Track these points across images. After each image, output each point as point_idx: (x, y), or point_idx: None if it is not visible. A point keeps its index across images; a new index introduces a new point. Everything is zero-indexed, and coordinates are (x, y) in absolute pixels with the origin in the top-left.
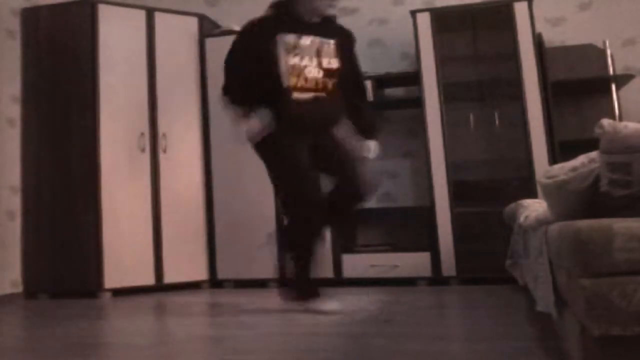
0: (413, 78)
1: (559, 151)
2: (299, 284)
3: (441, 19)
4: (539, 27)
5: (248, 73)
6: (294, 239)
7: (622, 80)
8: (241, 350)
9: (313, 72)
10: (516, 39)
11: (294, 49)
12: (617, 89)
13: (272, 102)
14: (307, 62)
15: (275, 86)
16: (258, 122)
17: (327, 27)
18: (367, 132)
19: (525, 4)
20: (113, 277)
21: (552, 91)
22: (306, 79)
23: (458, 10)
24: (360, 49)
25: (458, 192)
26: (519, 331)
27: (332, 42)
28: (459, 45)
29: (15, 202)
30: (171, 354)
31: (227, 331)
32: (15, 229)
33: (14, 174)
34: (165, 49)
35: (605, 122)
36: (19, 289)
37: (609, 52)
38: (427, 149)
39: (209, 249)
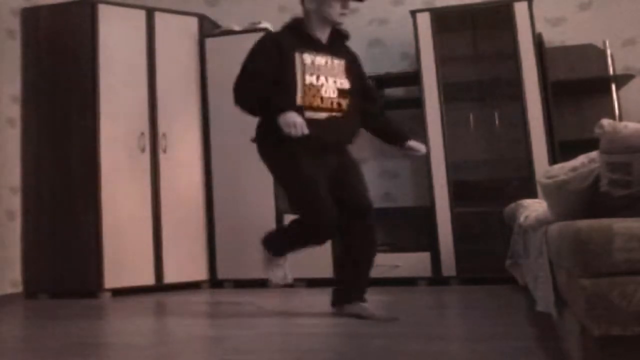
0: (413, 78)
1: (559, 151)
2: (280, 245)
3: (441, 19)
4: (539, 27)
5: (261, 91)
6: (293, 241)
7: (622, 80)
8: (241, 350)
9: (329, 91)
10: (516, 39)
11: (310, 68)
12: (617, 89)
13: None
14: (323, 81)
15: (289, 104)
16: (292, 116)
17: (338, 47)
18: (398, 134)
19: (525, 4)
20: (113, 277)
21: (552, 91)
22: (322, 99)
23: (458, 10)
24: (360, 49)
25: (458, 192)
26: (519, 331)
27: (343, 62)
28: (459, 45)
29: (15, 202)
30: (171, 354)
31: (227, 331)
32: (15, 229)
33: (14, 174)
34: (165, 49)
35: (605, 122)
36: (19, 289)
37: (609, 52)
38: (427, 149)
39: (209, 249)
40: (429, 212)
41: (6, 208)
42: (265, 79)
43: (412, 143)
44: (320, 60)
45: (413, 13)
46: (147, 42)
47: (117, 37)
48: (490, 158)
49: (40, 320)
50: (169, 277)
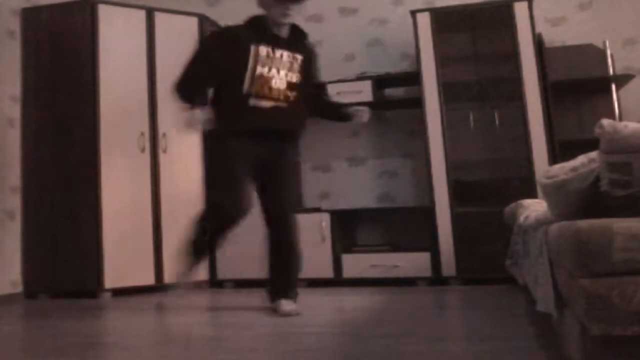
0: (413, 78)
1: (559, 151)
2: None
3: (441, 19)
4: (539, 27)
5: (205, 75)
6: (199, 234)
7: (622, 80)
8: (241, 350)
9: (278, 83)
10: (516, 39)
11: (264, 60)
12: (617, 89)
13: (230, 106)
14: (275, 73)
15: (235, 92)
16: (201, 113)
17: (297, 43)
18: (342, 111)
19: (525, 4)
20: (113, 277)
21: (552, 91)
22: (270, 89)
23: (458, 10)
24: (360, 49)
25: (458, 192)
26: (519, 331)
27: (300, 57)
28: (459, 45)
29: (15, 202)
30: (171, 354)
31: (227, 331)
32: (15, 229)
33: (14, 174)
34: (165, 49)
35: (605, 122)
36: (19, 289)
37: (609, 52)
38: (427, 149)
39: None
40: (429, 212)
41: (6, 208)
42: (211, 72)
43: (355, 116)
44: (277, 53)
45: (413, 13)
46: (147, 42)
47: (117, 37)
48: (490, 158)
49: (40, 320)
50: (169, 277)
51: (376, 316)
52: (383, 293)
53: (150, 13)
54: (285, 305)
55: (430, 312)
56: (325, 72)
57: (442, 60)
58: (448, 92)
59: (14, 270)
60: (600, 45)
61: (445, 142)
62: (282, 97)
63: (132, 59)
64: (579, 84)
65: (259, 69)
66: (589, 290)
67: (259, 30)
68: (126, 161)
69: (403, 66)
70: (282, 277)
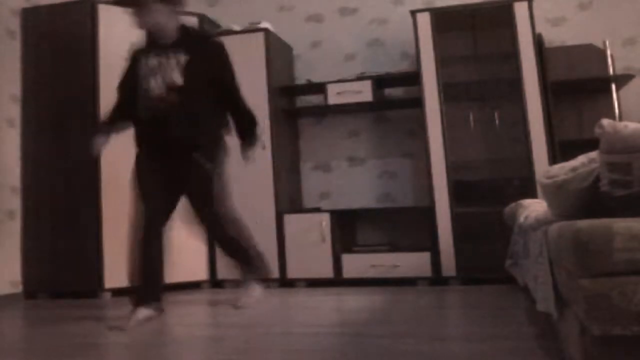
0: (413, 78)
1: (559, 151)
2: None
3: (441, 19)
4: (539, 27)
5: (121, 96)
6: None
7: (622, 80)
8: (241, 350)
9: (157, 90)
10: (516, 39)
11: (146, 68)
12: (617, 89)
13: (134, 122)
14: (153, 81)
15: (134, 107)
16: (99, 139)
17: (182, 44)
18: (243, 135)
19: (525, 4)
20: (113, 277)
21: (552, 91)
22: (150, 98)
23: (458, 10)
24: (360, 49)
25: (458, 192)
26: (519, 331)
27: (182, 58)
28: (459, 45)
29: (15, 202)
30: (171, 354)
31: (227, 331)
32: (15, 229)
33: (14, 174)
34: None
35: (605, 122)
36: (19, 289)
37: (609, 52)
38: (427, 149)
39: (209, 249)
40: (429, 212)
41: (6, 208)
42: (123, 93)
43: (246, 152)
44: (153, 60)
45: (413, 13)
46: None
47: (117, 37)
48: (490, 158)
49: (40, 321)
50: (169, 277)
51: (376, 316)
52: (383, 293)
53: None
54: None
55: (430, 312)
56: (325, 72)
57: (442, 60)
58: (448, 92)
59: (14, 270)
60: (600, 45)
61: (445, 142)
62: (165, 100)
63: None
64: (579, 84)
65: (144, 82)
66: (589, 290)
67: (148, 39)
68: (126, 161)
69: (403, 66)
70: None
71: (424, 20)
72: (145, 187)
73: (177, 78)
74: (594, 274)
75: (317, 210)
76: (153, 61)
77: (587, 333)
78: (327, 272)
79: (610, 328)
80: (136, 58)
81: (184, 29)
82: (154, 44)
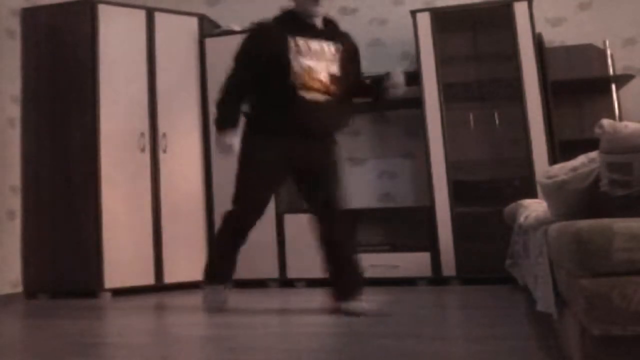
0: (413, 78)
1: (559, 151)
2: (218, 268)
3: (441, 19)
4: (539, 27)
5: (246, 81)
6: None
7: (622, 80)
8: (241, 350)
9: (322, 74)
10: (516, 39)
11: (304, 51)
12: (617, 89)
13: (279, 101)
14: (316, 64)
15: (284, 85)
16: (233, 138)
17: (333, 33)
18: (376, 87)
19: (525, 4)
20: (113, 277)
21: (552, 91)
22: (315, 80)
23: (458, 10)
24: (360, 49)
25: (458, 192)
26: (519, 331)
27: (340, 49)
28: (459, 45)
29: (15, 202)
30: (171, 354)
31: (227, 331)
32: (15, 229)
33: (14, 174)
34: (165, 49)
35: (605, 122)
36: (19, 289)
37: (609, 52)
38: (427, 149)
39: (209, 249)
40: (429, 212)
41: (6, 208)
42: (252, 76)
43: (390, 84)
44: (315, 44)
45: (413, 13)
46: (147, 42)
47: (117, 37)
48: (490, 158)
49: (40, 320)
50: (169, 277)
51: (376, 316)
52: (383, 293)
53: (150, 13)
54: (355, 305)
55: (430, 312)
56: None
57: (442, 60)
58: (448, 92)
59: (14, 270)
60: (600, 45)
61: (445, 142)
62: (327, 89)
63: (132, 58)
64: (579, 84)
65: (301, 60)
66: (589, 290)
67: (292, 22)
68: (126, 161)
69: (403, 66)
70: (343, 277)
71: (424, 20)
72: (264, 179)
73: (337, 69)
74: (594, 274)
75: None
76: (310, 43)
77: (587, 333)
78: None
79: (610, 328)
80: (274, 35)
81: (327, 19)
82: (299, 27)
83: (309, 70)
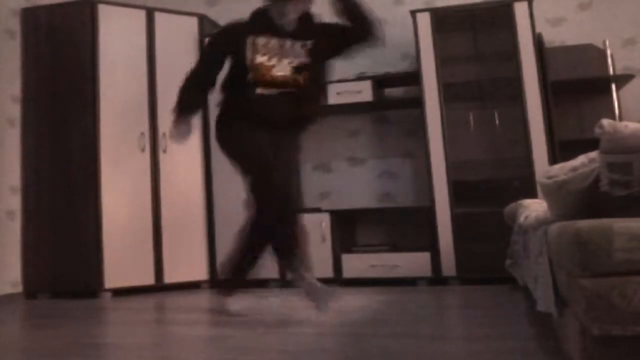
0: (413, 78)
1: (559, 151)
2: (234, 278)
3: (441, 19)
4: (539, 27)
5: (208, 70)
6: (258, 230)
7: (622, 80)
8: (241, 350)
9: (281, 70)
10: (516, 39)
11: (262, 49)
12: (617, 89)
13: (239, 97)
14: (275, 61)
15: (242, 81)
16: (184, 129)
17: (305, 29)
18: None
19: (525, 4)
20: (113, 277)
21: (552, 91)
22: (272, 77)
23: (458, 10)
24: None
25: (458, 192)
26: (519, 331)
27: (306, 44)
28: (459, 45)
29: (15, 202)
30: (171, 354)
31: (227, 331)
32: (15, 229)
33: (14, 174)
34: (165, 49)
35: (605, 122)
36: (19, 289)
37: (609, 52)
38: (427, 149)
39: (209, 249)
40: (429, 212)
41: (6, 208)
42: (211, 70)
43: None
44: (275, 42)
45: (413, 13)
46: (147, 42)
47: (117, 37)
48: (490, 158)
49: (40, 321)
50: (169, 277)
51: (376, 316)
52: (383, 293)
53: (150, 13)
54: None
55: (430, 312)
56: None
57: (442, 60)
58: (448, 92)
59: (14, 270)
60: (600, 45)
61: (445, 142)
62: (289, 83)
63: (132, 59)
64: (579, 84)
65: (258, 58)
66: (589, 290)
67: (260, 21)
68: (126, 161)
69: (403, 66)
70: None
71: (424, 20)
72: (260, 153)
73: (305, 60)
74: (594, 274)
75: (317, 210)
76: (271, 42)
77: (587, 333)
78: (327, 272)
79: (610, 328)
80: (235, 35)
81: (303, 16)
82: (266, 26)
83: (267, 67)
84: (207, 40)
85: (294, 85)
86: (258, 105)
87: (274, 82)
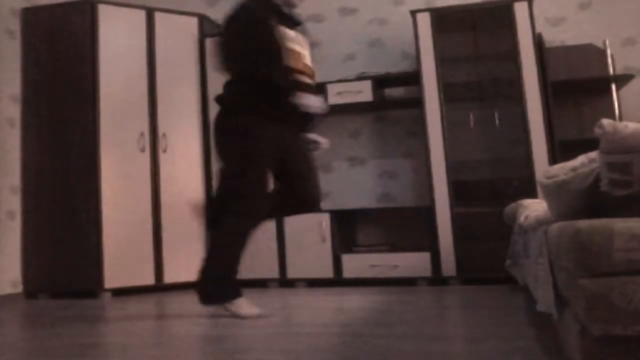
0: (413, 78)
1: (559, 151)
2: (220, 283)
3: (441, 19)
4: (539, 27)
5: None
6: (233, 234)
7: (622, 80)
8: (241, 350)
9: (307, 60)
10: (516, 39)
11: (290, 37)
12: (617, 89)
13: (263, 83)
14: (302, 50)
15: (278, 68)
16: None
17: (303, 26)
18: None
19: (525, 4)
20: (113, 277)
21: (552, 91)
22: (304, 65)
23: (458, 10)
24: (360, 49)
25: (458, 192)
26: (519, 331)
27: (307, 41)
28: (459, 45)
29: (15, 202)
30: (171, 354)
31: (227, 331)
32: (15, 229)
33: (14, 174)
34: (165, 49)
35: (605, 122)
36: (19, 289)
37: (609, 52)
38: (427, 149)
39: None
40: (429, 212)
41: (6, 208)
42: (253, 47)
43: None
44: (290, 32)
45: (413, 13)
46: (147, 42)
47: (117, 37)
48: (490, 158)
49: (41, 321)
50: (169, 277)
51: (376, 316)
52: (383, 293)
53: (150, 13)
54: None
55: (430, 312)
56: (325, 72)
57: (442, 60)
58: (448, 92)
59: (14, 270)
60: (600, 45)
61: (445, 142)
62: (313, 74)
63: (132, 58)
64: (579, 84)
65: (290, 45)
66: (589, 290)
67: (274, 11)
68: (126, 161)
69: (403, 66)
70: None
71: (424, 20)
72: (265, 163)
73: (309, 59)
74: (594, 274)
75: (317, 210)
76: (291, 32)
77: (587, 333)
78: (327, 272)
79: (610, 328)
80: (262, 19)
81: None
82: (279, 15)
83: (300, 54)
84: (241, 17)
85: (313, 77)
86: (291, 94)
87: (303, 71)
